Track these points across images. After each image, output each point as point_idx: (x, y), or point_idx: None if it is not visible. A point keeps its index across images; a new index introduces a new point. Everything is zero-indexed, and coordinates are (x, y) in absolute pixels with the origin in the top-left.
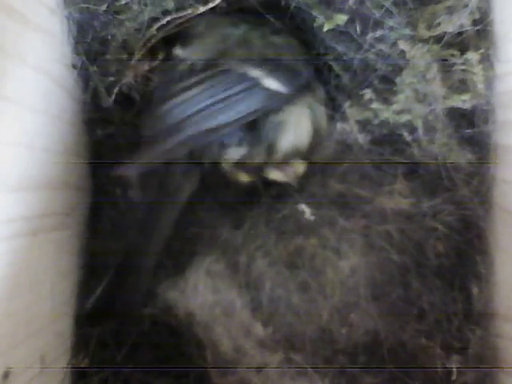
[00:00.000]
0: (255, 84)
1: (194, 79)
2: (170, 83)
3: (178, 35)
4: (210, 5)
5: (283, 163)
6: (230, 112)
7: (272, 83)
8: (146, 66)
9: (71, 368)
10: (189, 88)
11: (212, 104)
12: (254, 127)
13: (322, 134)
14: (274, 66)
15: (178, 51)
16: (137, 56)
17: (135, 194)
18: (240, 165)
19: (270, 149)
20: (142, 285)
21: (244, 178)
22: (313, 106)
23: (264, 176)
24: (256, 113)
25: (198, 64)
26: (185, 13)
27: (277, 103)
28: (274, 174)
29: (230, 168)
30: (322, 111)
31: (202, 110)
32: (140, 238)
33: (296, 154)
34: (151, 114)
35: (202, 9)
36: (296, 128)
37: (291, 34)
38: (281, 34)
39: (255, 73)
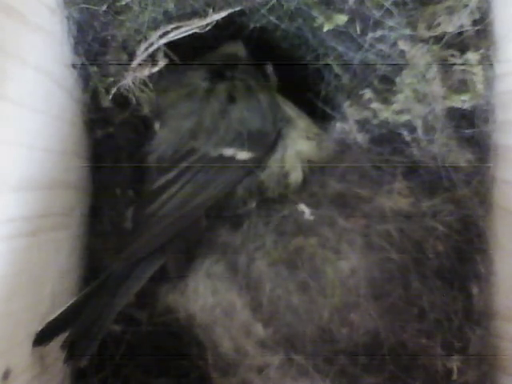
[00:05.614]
0: (230, 159)
1: (174, 172)
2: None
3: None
4: (216, 16)
5: None
6: (209, 190)
7: (245, 155)
8: (145, 72)
9: (71, 368)
10: (171, 182)
11: (193, 190)
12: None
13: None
14: (243, 137)
15: (157, 126)
16: (137, 60)
17: None
18: None
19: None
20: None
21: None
22: (305, 133)
23: None
24: (233, 184)
25: (173, 149)
26: (187, 22)
27: (249, 170)
28: None
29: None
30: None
31: (184, 198)
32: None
33: None
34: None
35: (208, 19)
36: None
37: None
38: (236, 101)
39: (229, 152)
